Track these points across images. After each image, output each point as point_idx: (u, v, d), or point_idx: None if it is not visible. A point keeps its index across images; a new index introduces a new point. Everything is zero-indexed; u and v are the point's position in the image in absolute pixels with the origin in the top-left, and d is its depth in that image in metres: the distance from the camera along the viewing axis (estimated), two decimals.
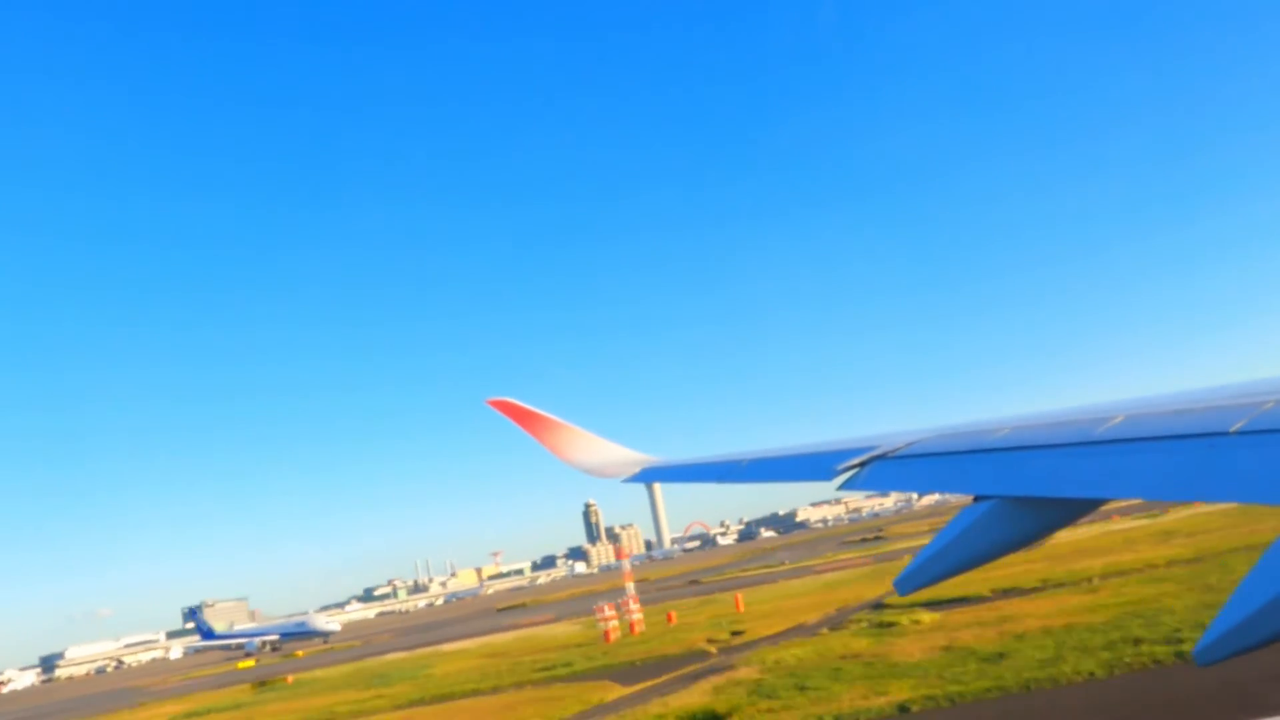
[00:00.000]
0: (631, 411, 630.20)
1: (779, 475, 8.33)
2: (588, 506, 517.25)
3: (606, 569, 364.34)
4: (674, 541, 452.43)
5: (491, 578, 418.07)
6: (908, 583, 6.43)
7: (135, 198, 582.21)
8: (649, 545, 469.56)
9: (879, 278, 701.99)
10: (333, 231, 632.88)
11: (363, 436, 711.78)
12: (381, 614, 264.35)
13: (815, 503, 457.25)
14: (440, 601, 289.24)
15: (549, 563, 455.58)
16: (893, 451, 7.42)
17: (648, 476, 10.30)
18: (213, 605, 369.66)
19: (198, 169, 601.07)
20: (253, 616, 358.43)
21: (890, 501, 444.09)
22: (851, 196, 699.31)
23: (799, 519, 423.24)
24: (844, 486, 7.41)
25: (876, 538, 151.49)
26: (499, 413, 11.68)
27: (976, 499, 6.32)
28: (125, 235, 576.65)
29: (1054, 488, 5.93)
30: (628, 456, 11.29)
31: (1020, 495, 6.08)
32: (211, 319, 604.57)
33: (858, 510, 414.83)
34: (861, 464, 7.45)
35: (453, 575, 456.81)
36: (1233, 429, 5.18)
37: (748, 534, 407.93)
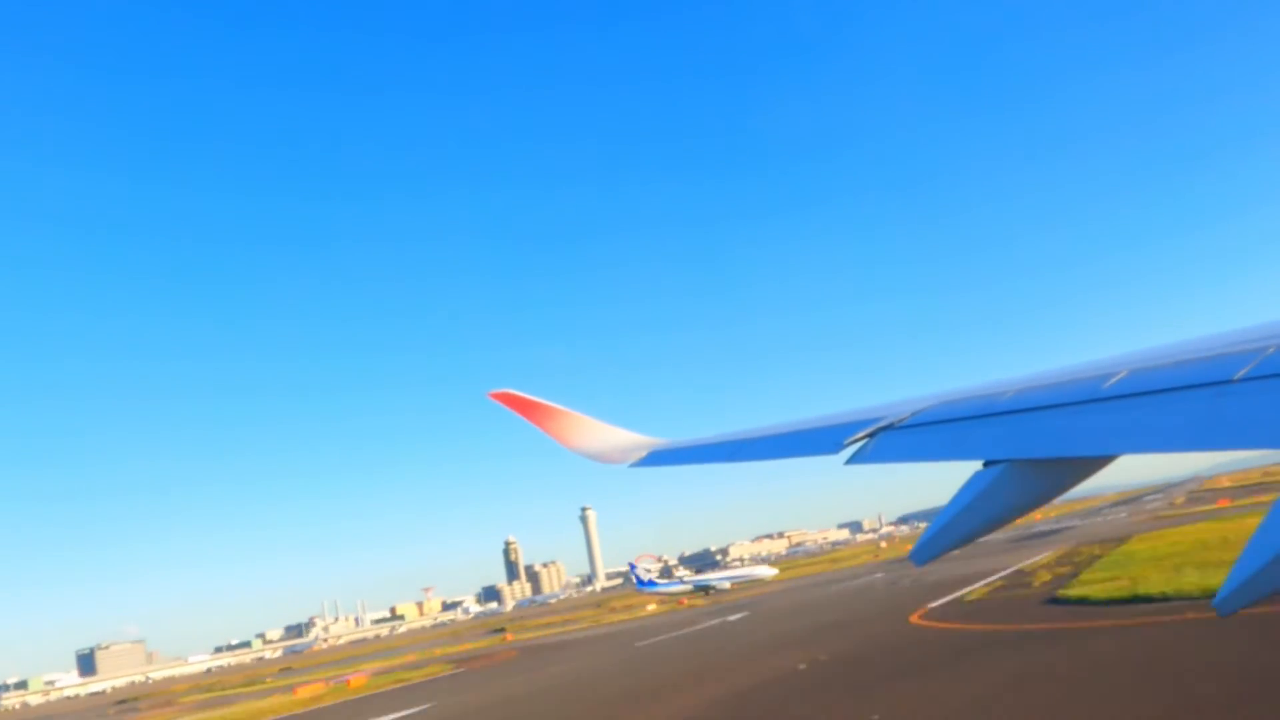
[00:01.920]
0: (633, 399, 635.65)
1: (786, 451, 8.23)
2: (507, 544, 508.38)
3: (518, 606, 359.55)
4: (608, 576, 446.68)
5: (377, 621, 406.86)
6: (922, 552, 6.41)
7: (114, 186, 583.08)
8: (587, 580, 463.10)
9: (875, 258, 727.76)
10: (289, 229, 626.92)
11: (306, 466, 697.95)
12: (212, 669, 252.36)
13: (756, 537, 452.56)
14: (279, 653, 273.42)
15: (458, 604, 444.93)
16: (899, 421, 7.34)
17: (655, 460, 10.03)
18: (107, 648, 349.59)
19: (189, 160, 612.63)
20: (150, 659, 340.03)
21: (844, 532, 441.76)
22: (846, 181, 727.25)
23: (730, 556, 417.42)
24: (852, 460, 7.30)
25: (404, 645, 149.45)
26: (501, 405, 11.43)
27: (986, 464, 6.26)
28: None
29: (1063, 448, 5.91)
30: (633, 441, 11.06)
31: (1030, 458, 6.03)
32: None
33: (800, 544, 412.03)
34: (868, 436, 7.35)
35: (388, 616, 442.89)
36: (1236, 376, 5.21)
37: (664, 573, 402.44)
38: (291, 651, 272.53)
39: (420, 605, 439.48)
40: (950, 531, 6.28)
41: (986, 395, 7.14)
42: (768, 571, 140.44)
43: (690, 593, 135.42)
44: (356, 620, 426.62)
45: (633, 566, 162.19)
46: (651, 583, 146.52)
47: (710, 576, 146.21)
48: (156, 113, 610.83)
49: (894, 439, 7.23)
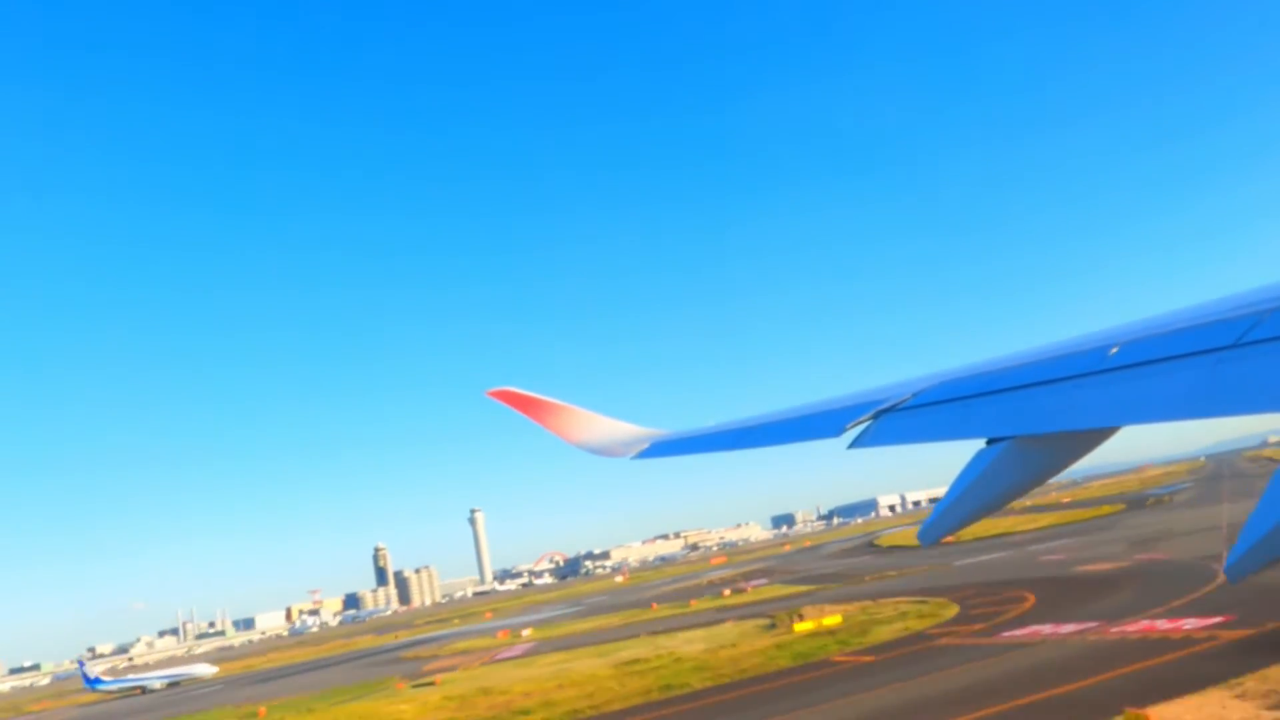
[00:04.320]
0: (630, 392, 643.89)
1: (787, 437, 8.22)
2: (376, 550, 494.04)
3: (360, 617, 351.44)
4: (500, 575, 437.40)
5: (201, 636, 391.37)
6: (930, 533, 6.45)
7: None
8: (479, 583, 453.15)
9: (868, 246, 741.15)
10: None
11: (202, 461, 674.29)
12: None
13: (648, 539, 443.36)
14: (44, 682, 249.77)
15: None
16: (900, 403, 7.35)
17: (657, 451, 9.99)
18: None
19: (182, 159, 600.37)
20: None
21: (754, 531, 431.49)
22: (835, 167, 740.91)
23: (613, 559, 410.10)
24: (854, 444, 7.31)
25: None
26: (501, 403, 11.43)
27: (989, 442, 6.29)
28: None
29: (1067, 421, 5.93)
30: (634, 433, 11.03)
31: (1033, 433, 6.07)
32: None
33: (695, 545, 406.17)
34: (870, 419, 7.35)
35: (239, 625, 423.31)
36: (1234, 342, 5.27)
37: (529, 583, 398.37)
38: (58, 679, 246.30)
39: (292, 610, 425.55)
40: (956, 511, 6.36)
41: (986, 373, 7.20)
42: (206, 670, 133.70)
43: (129, 692, 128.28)
44: (179, 636, 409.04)
45: (81, 664, 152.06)
46: (99, 680, 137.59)
47: (148, 676, 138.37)
48: (146, 123, 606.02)
49: (895, 421, 7.27)
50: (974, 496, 6.31)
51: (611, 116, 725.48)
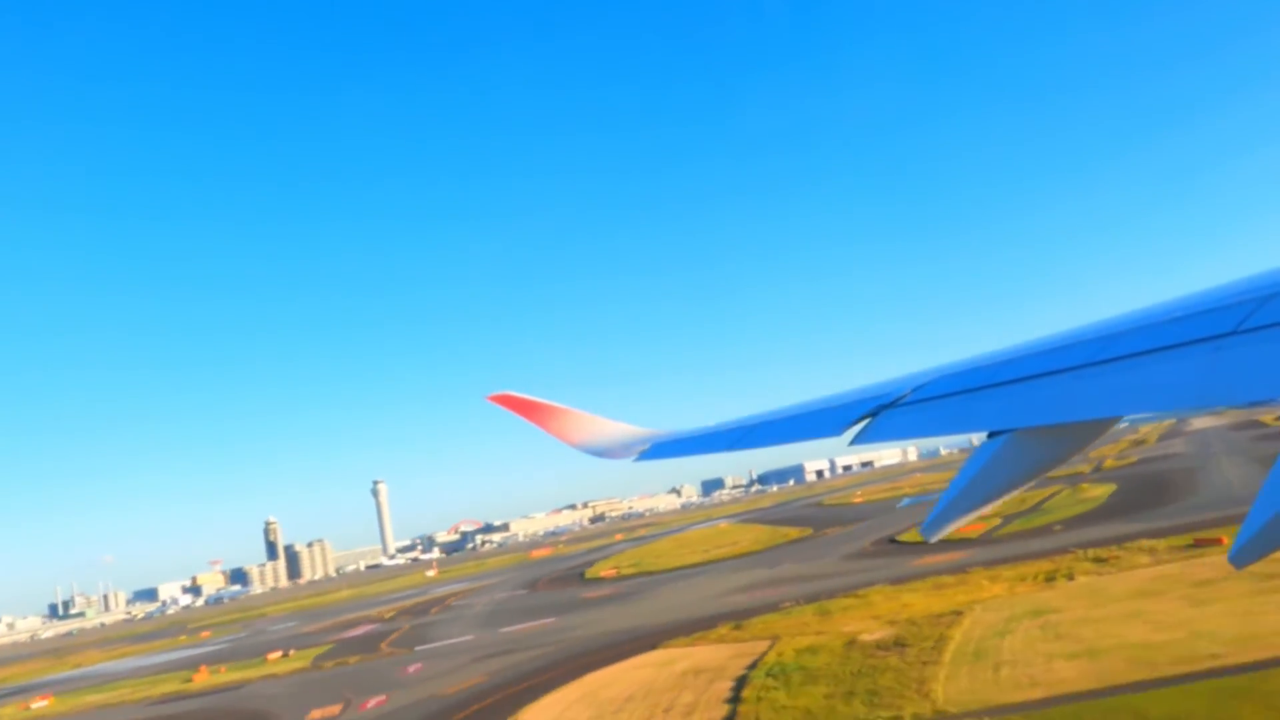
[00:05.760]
0: (626, 393, 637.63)
1: (788, 436, 8.18)
2: (267, 524, 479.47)
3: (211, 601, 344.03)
4: (423, 541, 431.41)
5: (64, 617, 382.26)
6: (933, 527, 6.51)
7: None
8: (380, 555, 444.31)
9: (865, 241, 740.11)
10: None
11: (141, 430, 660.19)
12: None
13: (555, 509, 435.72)
14: None
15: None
16: (900, 399, 7.36)
17: (657, 452, 9.94)
18: None
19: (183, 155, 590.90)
20: None
21: (667, 499, 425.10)
22: (833, 162, 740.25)
23: (512, 530, 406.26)
24: (855, 441, 7.32)
25: None
26: (501, 407, 11.38)
27: (990, 435, 6.39)
28: None
29: (1068, 413, 5.97)
30: (633, 434, 11.00)
31: (1035, 425, 6.12)
32: None
33: (601, 516, 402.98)
34: (870, 415, 7.37)
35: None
36: (1233, 330, 5.30)
37: (418, 558, 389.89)
38: None
39: (197, 579, 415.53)
40: (960, 504, 6.46)
41: (986, 366, 7.26)
42: None
43: None
44: (45, 616, 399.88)
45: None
46: None
47: None
48: (141, 111, 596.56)
49: (896, 417, 7.31)
50: (976, 490, 6.44)
51: (606, 114, 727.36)
